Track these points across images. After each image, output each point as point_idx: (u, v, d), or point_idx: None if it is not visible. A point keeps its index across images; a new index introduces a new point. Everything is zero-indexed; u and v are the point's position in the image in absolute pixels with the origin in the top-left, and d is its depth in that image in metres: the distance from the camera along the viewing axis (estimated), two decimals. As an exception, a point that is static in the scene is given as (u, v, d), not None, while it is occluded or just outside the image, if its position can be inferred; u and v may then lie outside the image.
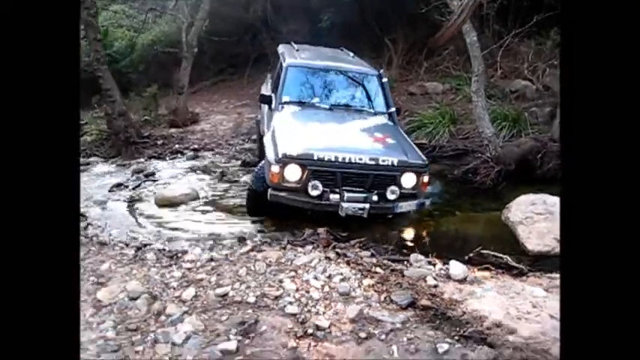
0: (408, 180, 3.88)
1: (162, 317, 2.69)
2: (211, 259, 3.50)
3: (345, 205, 3.74)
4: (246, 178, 6.03)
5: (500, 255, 3.15)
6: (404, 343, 2.25)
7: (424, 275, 2.89)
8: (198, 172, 6.73)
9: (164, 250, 3.87)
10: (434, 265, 3.12)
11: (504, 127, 6.06)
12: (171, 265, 3.44)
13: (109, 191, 6.03)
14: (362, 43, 10.19)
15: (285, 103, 4.71)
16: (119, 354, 2.34)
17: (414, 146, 4.35)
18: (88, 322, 2.71)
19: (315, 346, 2.28)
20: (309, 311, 2.59)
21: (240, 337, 2.39)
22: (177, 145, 8.46)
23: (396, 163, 3.84)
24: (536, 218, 3.49)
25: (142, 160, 7.80)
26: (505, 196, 4.49)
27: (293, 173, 3.82)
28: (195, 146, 8.35)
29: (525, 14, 7.58)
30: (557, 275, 2.88)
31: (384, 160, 3.83)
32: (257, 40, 12.56)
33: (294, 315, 2.56)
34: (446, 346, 2.17)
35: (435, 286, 2.75)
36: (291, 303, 2.67)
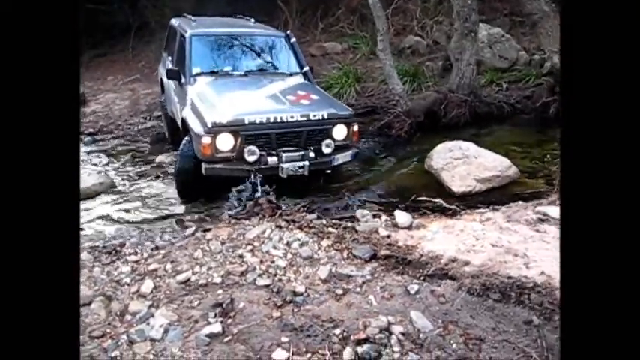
0: (340, 132, 3.97)
1: (128, 316, 2.56)
2: (157, 247, 3.36)
3: (284, 166, 3.75)
4: (162, 158, 5.74)
5: (434, 200, 3.50)
6: (378, 292, 2.46)
7: (375, 228, 3.12)
8: (102, 157, 6.21)
9: (98, 246, 3.61)
10: (379, 217, 3.37)
11: (406, 82, 6.49)
12: (114, 262, 3.23)
13: None
14: (252, 6, 9.91)
15: (197, 74, 4.50)
16: (95, 362, 2.22)
17: (337, 100, 4.47)
18: (42, 336, 2.50)
19: (298, 310, 2.38)
20: (279, 280, 2.67)
21: (221, 318, 2.39)
22: (67, 132, 7.64)
23: (326, 116, 3.90)
24: (456, 163, 3.91)
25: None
26: (421, 145, 4.91)
27: (226, 142, 3.72)
28: (91, 130, 7.60)
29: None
30: (485, 210, 3.31)
31: (314, 115, 3.86)
32: (137, 8, 11.49)
33: (267, 286, 2.62)
34: (416, 287, 2.42)
35: (389, 236, 3.00)
36: (260, 275, 2.71)
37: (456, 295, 2.34)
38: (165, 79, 5.30)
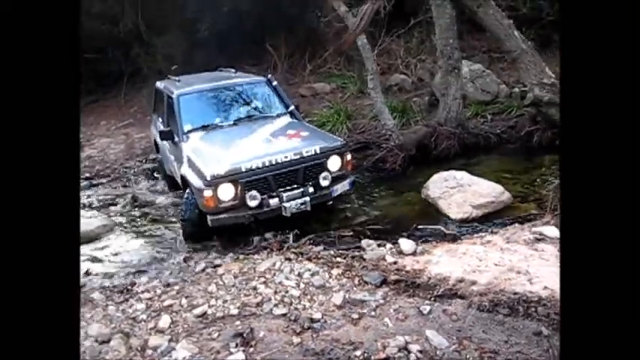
0: (334, 163, 4.09)
1: (149, 351, 2.62)
2: (168, 285, 3.44)
3: (287, 205, 3.84)
4: (162, 199, 5.84)
5: (434, 227, 3.67)
6: (392, 314, 2.57)
7: (382, 255, 3.25)
8: (102, 202, 6.28)
9: (108, 286, 3.66)
10: (384, 246, 3.51)
11: (396, 118, 6.75)
12: (127, 300, 3.29)
13: None
14: (242, 51, 10.32)
15: (189, 131, 4.59)
16: (123, 396, 2.26)
17: (326, 133, 4.58)
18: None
19: (317, 336, 2.47)
20: (295, 308, 2.76)
21: (242, 348, 2.47)
22: (63, 178, 7.70)
23: (319, 151, 4.02)
24: (451, 192, 4.11)
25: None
26: (415, 178, 5.11)
27: (227, 191, 3.81)
28: (87, 174, 7.69)
29: (390, 18, 8.49)
30: (484, 233, 3.49)
31: (307, 151, 3.98)
32: (129, 55, 11.83)
33: (284, 315, 2.72)
34: (428, 307, 2.54)
35: (396, 263, 3.13)
36: (276, 305, 2.81)
37: (467, 313, 2.47)
38: (158, 139, 5.41)
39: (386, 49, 8.80)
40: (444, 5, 5.79)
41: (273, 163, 3.90)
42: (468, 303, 2.53)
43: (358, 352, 2.30)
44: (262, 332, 2.57)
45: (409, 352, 2.26)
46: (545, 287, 2.52)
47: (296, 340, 2.46)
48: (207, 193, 3.77)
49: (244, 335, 2.56)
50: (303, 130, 4.46)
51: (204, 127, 4.66)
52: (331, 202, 4.24)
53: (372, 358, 2.25)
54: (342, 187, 4.13)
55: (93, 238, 4.91)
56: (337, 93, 8.84)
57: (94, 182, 7.32)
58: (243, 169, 3.83)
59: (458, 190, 4.10)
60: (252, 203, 3.85)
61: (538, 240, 3.12)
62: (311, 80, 9.53)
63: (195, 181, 3.98)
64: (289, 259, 3.42)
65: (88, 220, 5.25)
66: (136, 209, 5.73)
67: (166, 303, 3.11)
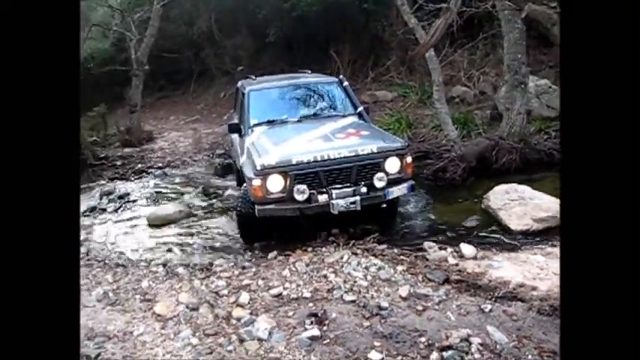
0: (393, 164, 3.95)
1: (233, 321, 2.98)
2: (243, 267, 3.82)
3: (335, 202, 3.78)
4: (231, 192, 6.30)
5: (495, 235, 3.84)
6: (455, 309, 2.79)
7: (444, 257, 3.47)
8: (174, 189, 6.86)
9: (190, 264, 4.10)
10: (445, 249, 3.72)
11: (457, 129, 6.87)
12: (209, 277, 3.70)
13: (84, 215, 5.99)
14: (306, 56, 10.75)
15: (254, 125, 4.74)
16: (215, 355, 2.62)
17: (389, 134, 4.50)
18: (162, 333, 2.94)
19: (385, 322, 2.73)
20: (364, 297, 3.04)
21: (317, 326, 2.77)
22: (139, 165, 8.39)
23: (375, 150, 3.91)
24: (512, 204, 4.25)
25: (102, 182, 7.68)
26: (475, 189, 5.25)
27: (276, 183, 3.83)
28: (160, 164, 8.35)
29: (458, 29, 8.60)
30: (545, 245, 3.62)
31: (363, 149, 3.90)
32: (199, 56, 12.63)
33: (353, 302, 3.00)
34: (489, 306, 2.74)
35: (457, 265, 3.34)
36: (346, 292, 3.10)
37: (527, 315, 2.65)
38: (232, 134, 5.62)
39: (449, 61, 8.91)
40: (513, 20, 5.89)
41: (325, 158, 3.86)
42: (528, 306, 2.70)
43: (423, 339, 2.54)
44: (334, 314, 2.86)
45: (470, 343, 2.47)
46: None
47: (365, 323, 2.74)
48: (256, 182, 3.83)
49: (318, 315, 2.86)
50: (365, 130, 4.44)
51: (269, 122, 4.78)
52: (385, 205, 4.13)
53: (436, 345, 2.49)
54: (398, 190, 3.99)
55: (171, 221, 5.44)
56: (398, 101, 9.06)
57: (166, 172, 7.96)
58: (294, 162, 3.84)
59: (519, 203, 4.22)
60: (300, 197, 3.82)
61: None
62: (373, 87, 9.80)
63: (247, 171, 4.07)
64: (355, 254, 3.70)
65: (166, 206, 5.80)
66: (207, 199, 6.23)
67: (244, 282, 3.47)
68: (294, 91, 5.31)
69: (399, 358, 2.44)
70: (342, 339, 2.62)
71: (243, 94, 5.25)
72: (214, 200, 6.12)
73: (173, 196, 6.54)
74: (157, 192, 6.87)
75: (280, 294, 3.23)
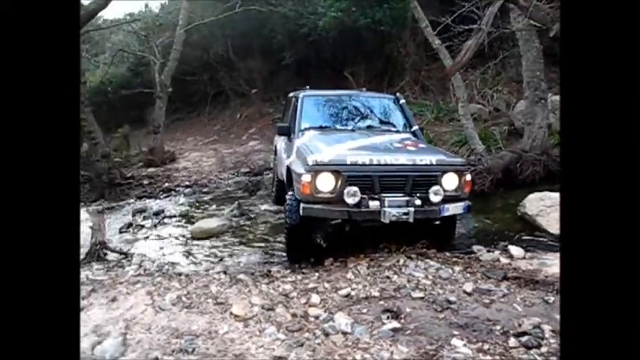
0: (450, 180, 3.77)
1: (311, 318, 3.19)
2: (304, 273, 4.05)
3: (387, 210, 3.60)
4: (267, 207, 6.55)
5: (537, 239, 4.12)
6: (519, 302, 3.04)
7: (496, 258, 3.73)
8: (209, 205, 7.10)
9: (248, 271, 4.32)
10: (492, 252, 3.98)
11: (479, 144, 7.23)
12: (273, 282, 3.91)
13: (120, 232, 6.19)
14: (319, 77, 11.17)
15: (305, 129, 4.67)
16: (306, 347, 2.84)
17: (448, 152, 4.51)
18: (247, 331, 3.14)
19: (457, 314, 2.97)
20: (430, 293, 3.28)
21: (394, 320, 3.01)
22: (166, 184, 8.66)
23: (434, 162, 3.76)
24: (548, 210, 4.55)
25: (131, 200, 7.91)
26: (505, 199, 5.56)
27: (326, 182, 3.64)
28: (187, 183, 8.62)
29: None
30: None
31: (421, 160, 3.75)
32: (215, 78, 13.04)
33: (421, 298, 3.23)
34: (552, 298, 3.00)
35: (510, 264, 3.60)
36: (412, 290, 3.34)
37: (589, 304, 2.90)
38: (278, 144, 5.82)
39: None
40: (531, 40, 6.31)
41: (382, 163, 3.72)
42: (588, 296, 2.96)
43: (498, 327, 2.78)
44: (408, 309, 3.09)
45: (542, 330, 2.71)
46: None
47: (440, 315, 2.97)
48: (306, 178, 3.63)
49: (393, 310, 3.10)
50: (422, 144, 4.38)
51: (320, 128, 4.73)
52: (438, 222, 3.98)
53: (511, 332, 2.73)
54: (454, 208, 3.78)
55: (213, 234, 5.67)
56: (415, 119, 9.41)
57: (194, 190, 8.21)
58: (348, 162, 3.69)
59: (555, 209, 4.51)
60: (350, 200, 3.63)
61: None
62: (387, 107, 10.19)
63: (297, 167, 3.91)
64: (410, 258, 3.94)
65: (209, 220, 6.04)
66: (242, 217, 6.46)
67: (310, 285, 3.69)
68: (348, 101, 5.33)
69: (479, 344, 2.67)
70: (423, 329, 2.85)
71: (297, 99, 5.25)
72: (252, 215, 6.37)
73: (208, 211, 6.78)
74: (190, 208, 7.12)
75: (349, 294, 3.45)
